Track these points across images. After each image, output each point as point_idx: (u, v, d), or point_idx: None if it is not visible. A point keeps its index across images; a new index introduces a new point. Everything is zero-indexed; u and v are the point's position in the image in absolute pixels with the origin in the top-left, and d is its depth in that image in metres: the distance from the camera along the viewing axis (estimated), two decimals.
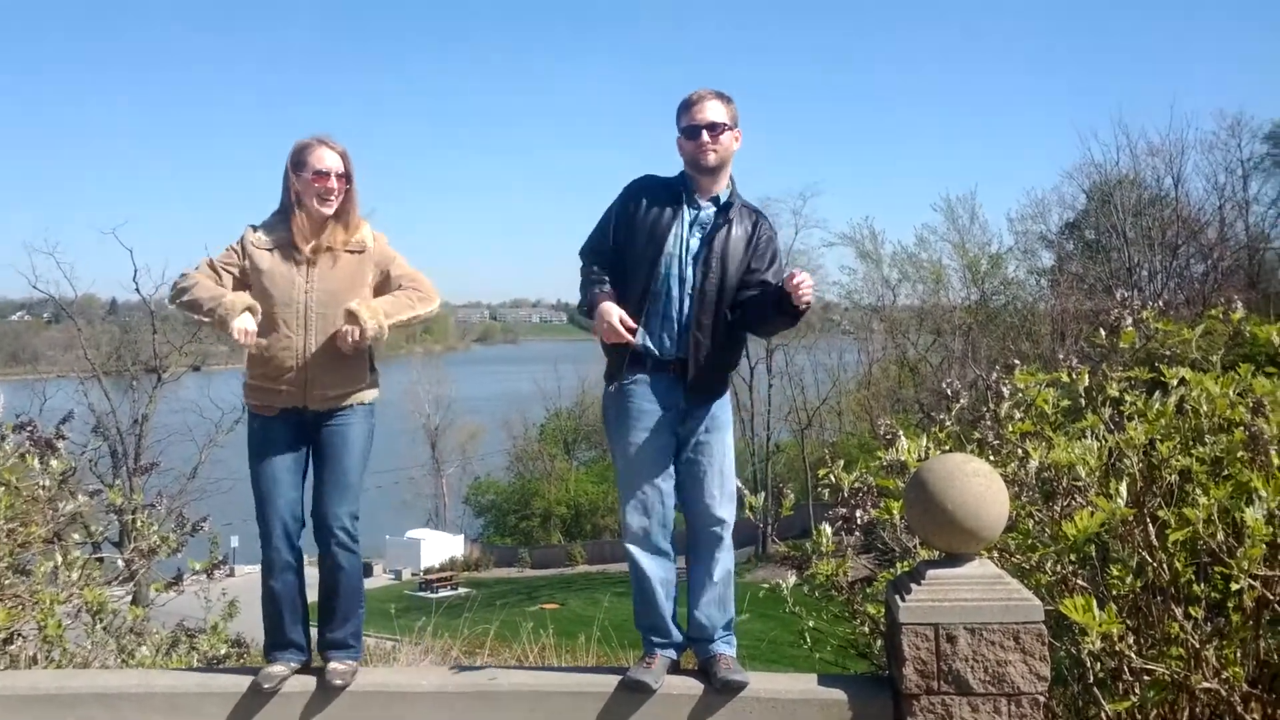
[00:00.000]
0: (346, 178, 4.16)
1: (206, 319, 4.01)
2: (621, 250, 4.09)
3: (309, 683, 4.01)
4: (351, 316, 3.97)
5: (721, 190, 4.11)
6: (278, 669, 4.02)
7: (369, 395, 4.21)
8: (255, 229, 4.19)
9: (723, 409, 4.11)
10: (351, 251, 4.16)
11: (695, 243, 4.03)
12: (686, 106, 4.08)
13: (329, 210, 4.12)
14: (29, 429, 5.63)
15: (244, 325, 3.92)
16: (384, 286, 4.24)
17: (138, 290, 33.76)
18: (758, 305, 4.05)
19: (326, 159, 4.12)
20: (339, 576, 4.11)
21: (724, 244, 4.01)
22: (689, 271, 4.00)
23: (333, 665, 4.02)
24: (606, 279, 4.08)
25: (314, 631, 4.21)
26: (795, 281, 3.84)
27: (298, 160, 4.14)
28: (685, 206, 4.07)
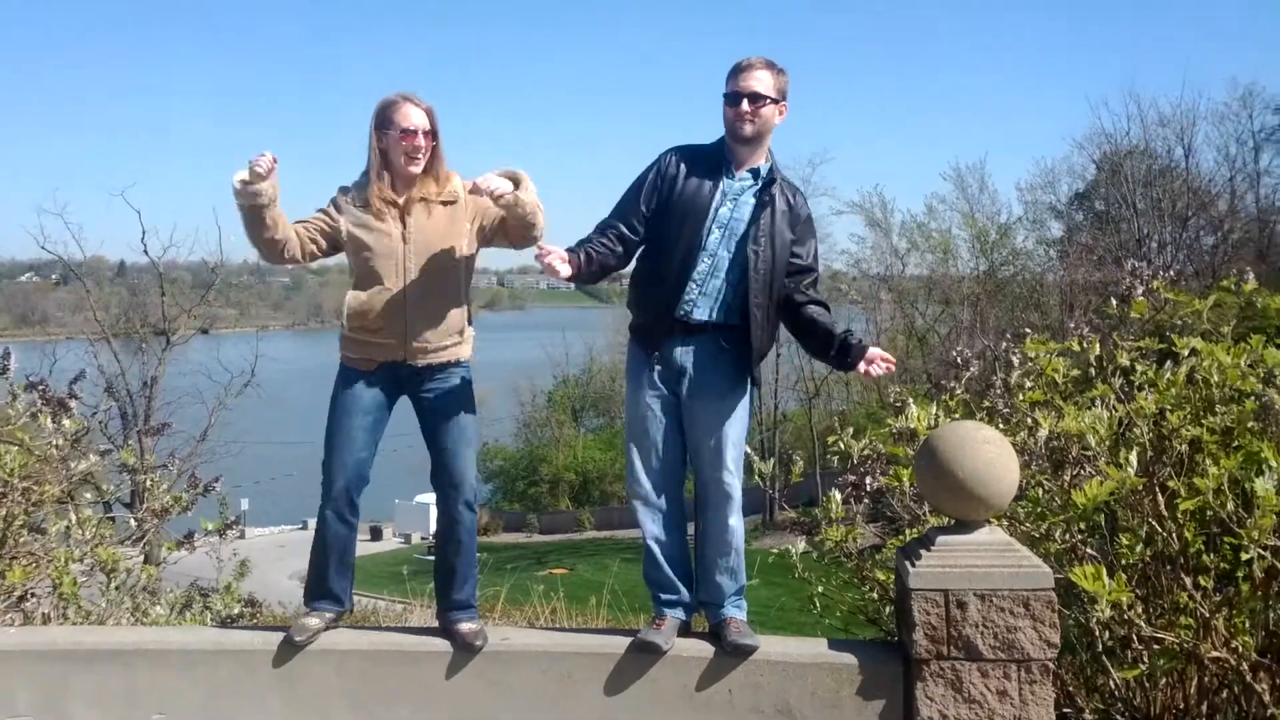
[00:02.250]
0: (433, 134, 4.10)
1: (247, 207, 3.96)
2: (657, 216, 4.06)
3: (327, 640, 4.05)
4: (507, 181, 3.91)
5: (760, 163, 4.09)
6: (312, 621, 4.06)
7: (465, 351, 4.19)
8: (345, 190, 4.18)
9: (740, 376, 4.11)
10: (445, 203, 4.12)
11: (726, 212, 4.01)
12: (735, 72, 4.03)
13: (416, 169, 4.08)
14: (41, 388, 5.65)
15: (243, 171, 3.88)
16: (489, 230, 4.20)
17: (146, 252, 33.77)
18: (820, 335, 4.08)
19: (413, 116, 4.06)
20: (461, 535, 4.17)
21: (770, 223, 4.00)
22: (723, 247, 3.99)
23: (464, 626, 4.05)
24: (603, 239, 4.04)
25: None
26: (873, 361, 3.93)
27: (383, 119, 4.08)
28: (724, 177, 4.05)
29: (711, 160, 4.08)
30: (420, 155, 4.07)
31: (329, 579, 4.17)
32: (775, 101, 4.02)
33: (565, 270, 3.88)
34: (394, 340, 4.06)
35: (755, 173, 4.07)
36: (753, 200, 4.03)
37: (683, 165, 4.07)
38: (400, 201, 4.08)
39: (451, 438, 4.13)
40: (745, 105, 3.97)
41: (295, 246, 4.13)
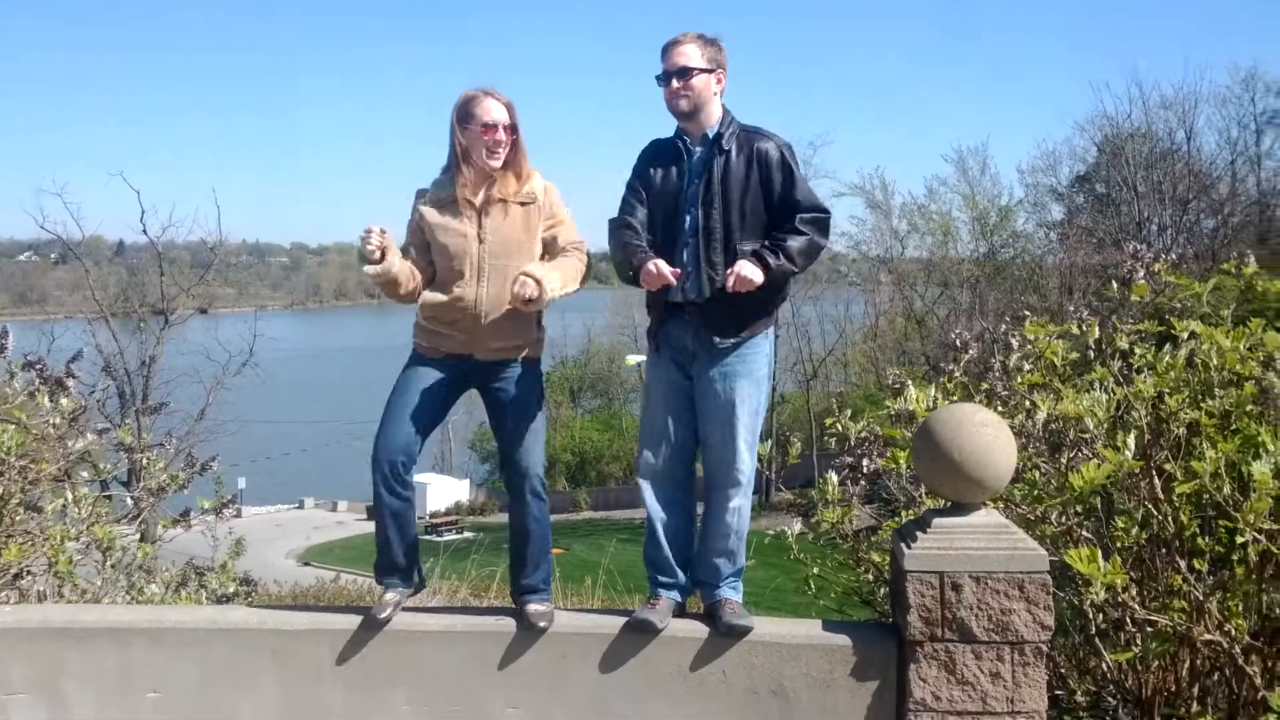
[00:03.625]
0: (513, 129, 4.10)
1: (384, 282, 4.12)
2: (647, 213, 4.13)
3: (321, 620, 4.05)
4: (533, 282, 3.92)
5: (711, 128, 4.08)
6: (390, 596, 4.10)
7: (535, 351, 4.23)
8: (423, 191, 4.20)
9: (751, 354, 4.06)
10: (523, 203, 4.13)
11: (694, 187, 4.03)
12: (662, 52, 4.08)
13: (497, 163, 4.08)
14: (38, 367, 5.64)
15: (370, 266, 4.02)
16: (547, 242, 4.22)
17: (145, 232, 33.72)
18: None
19: (493, 111, 4.06)
20: (530, 524, 4.16)
21: (722, 175, 3.99)
22: (686, 215, 4.02)
23: (531, 607, 4.05)
24: (642, 242, 4.08)
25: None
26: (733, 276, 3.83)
27: (464, 113, 4.09)
28: (685, 158, 4.08)
29: (672, 146, 4.14)
30: (501, 150, 4.08)
31: (393, 554, 4.17)
32: (709, 71, 4.04)
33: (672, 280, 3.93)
34: (465, 336, 4.10)
35: (707, 137, 4.09)
36: (704, 166, 4.05)
37: (650, 163, 4.15)
38: (477, 203, 4.09)
39: (518, 430, 4.14)
40: (674, 83, 4.02)
41: (423, 279, 4.20)
